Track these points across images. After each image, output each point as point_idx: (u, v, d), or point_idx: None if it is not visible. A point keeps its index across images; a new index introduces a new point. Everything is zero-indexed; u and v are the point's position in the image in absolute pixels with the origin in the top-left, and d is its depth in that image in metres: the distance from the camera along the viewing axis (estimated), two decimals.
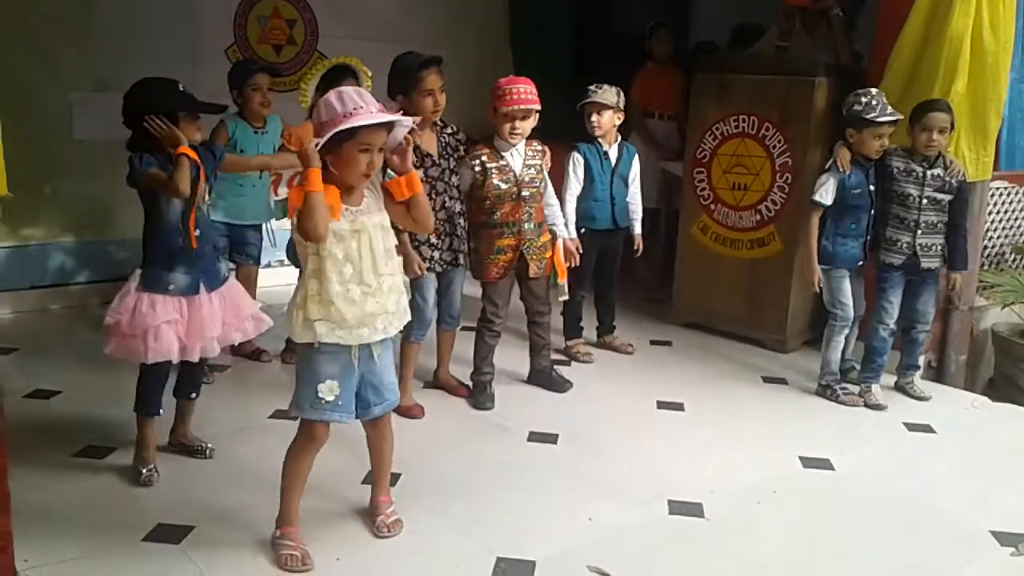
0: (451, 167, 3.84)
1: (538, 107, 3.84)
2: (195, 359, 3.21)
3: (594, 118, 4.48)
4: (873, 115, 4.00)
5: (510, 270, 4.01)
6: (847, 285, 4.21)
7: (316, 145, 2.48)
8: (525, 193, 3.93)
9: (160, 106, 3.09)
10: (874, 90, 4.09)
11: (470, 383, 4.16)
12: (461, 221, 3.91)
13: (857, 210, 4.14)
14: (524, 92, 3.81)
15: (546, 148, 4.04)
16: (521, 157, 3.93)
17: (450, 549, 2.86)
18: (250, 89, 4.26)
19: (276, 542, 2.76)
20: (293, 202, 2.51)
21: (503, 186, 3.88)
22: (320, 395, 2.66)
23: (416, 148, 3.59)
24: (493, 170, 3.87)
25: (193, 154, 3.08)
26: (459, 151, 3.88)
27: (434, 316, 4.04)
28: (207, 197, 3.30)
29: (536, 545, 2.88)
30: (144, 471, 3.22)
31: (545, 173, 4.04)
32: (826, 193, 4.12)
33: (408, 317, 2.84)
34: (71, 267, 5.39)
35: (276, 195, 6.06)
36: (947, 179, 4.07)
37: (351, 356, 2.68)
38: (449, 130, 3.87)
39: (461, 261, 3.94)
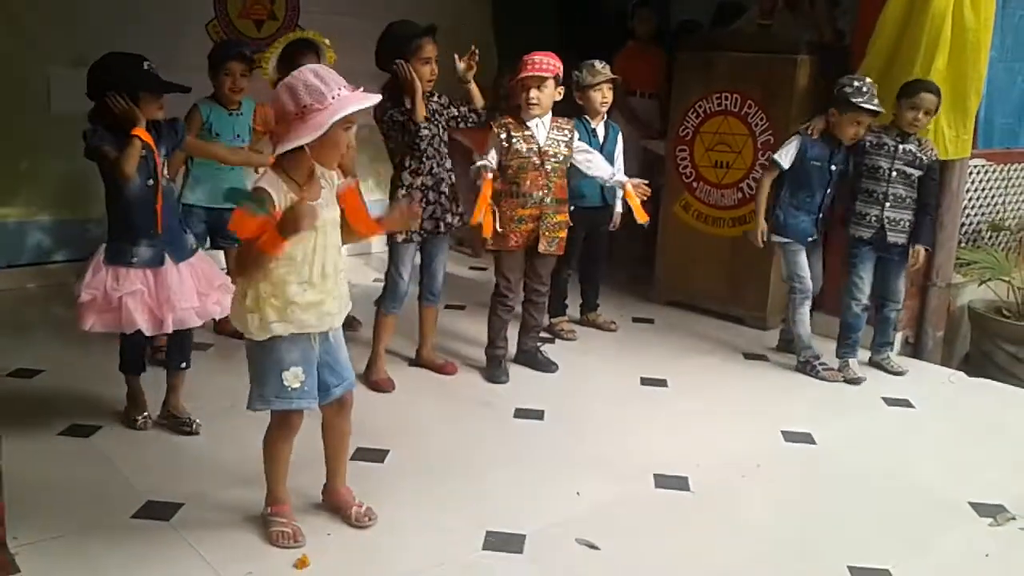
0: (440, 133, 3.87)
1: (551, 75, 3.88)
2: (168, 330, 3.25)
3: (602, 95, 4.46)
4: (860, 100, 4.02)
5: (528, 242, 4.02)
6: (803, 258, 4.28)
7: (315, 133, 2.38)
8: (548, 166, 3.95)
9: (123, 83, 3.12)
10: (869, 80, 4.12)
11: (484, 358, 4.20)
12: (446, 189, 3.92)
13: (812, 183, 4.19)
14: (540, 61, 3.87)
15: (574, 128, 4.08)
16: (546, 130, 3.97)
17: (439, 523, 2.89)
18: (222, 74, 4.25)
19: (267, 519, 2.76)
20: (243, 232, 2.41)
21: (526, 153, 3.91)
22: (286, 383, 2.59)
23: (410, 119, 3.71)
24: (519, 138, 3.91)
25: (147, 136, 3.11)
26: (444, 114, 3.89)
27: (409, 291, 4.01)
28: (165, 171, 3.33)
29: (525, 519, 2.91)
30: (139, 418, 3.37)
31: (576, 150, 4.07)
32: (786, 155, 4.18)
33: (350, 305, 2.77)
34: (48, 246, 5.33)
35: (256, 172, 6.05)
36: (919, 155, 4.13)
37: (311, 340, 2.62)
38: (435, 97, 3.89)
39: (442, 229, 3.94)
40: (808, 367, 4.36)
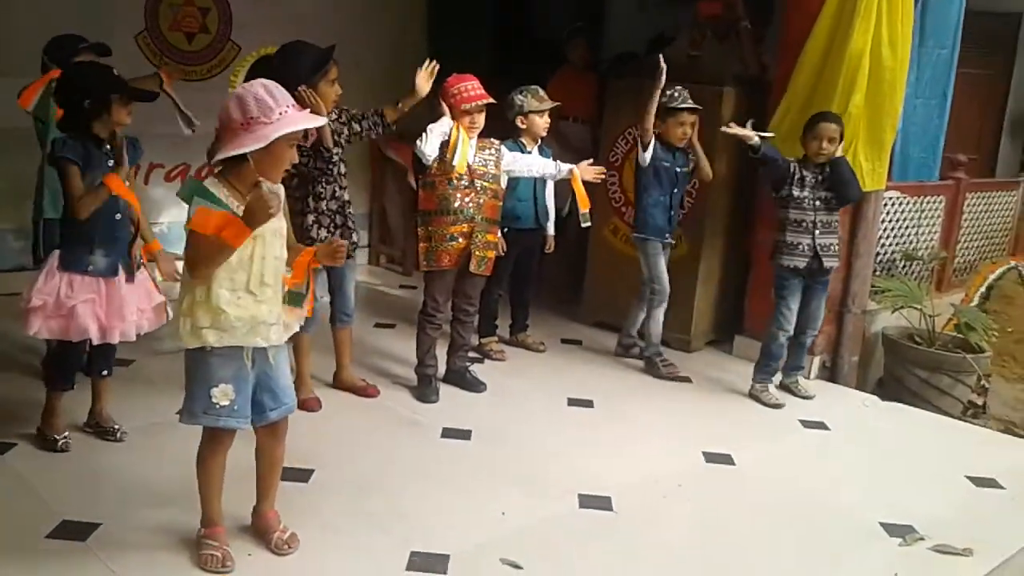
0: (341, 156, 3.86)
1: (491, 101, 3.99)
2: (115, 341, 3.26)
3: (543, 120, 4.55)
4: (676, 104, 4.45)
5: (460, 260, 4.04)
6: (663, 262, 4.65)
7: (258, 143, 2.40)
8: (478, 184, 3.99)
9: (95, 90, 3.14)
10: (679, 87, 4.50)
11: (414, 377, 4.19)
12: (350, 211, 3.93)
13: (661, 182, 4.59)
14: (478, 88, 3.95)
15: (502, 148, 4.15)
16: (473, 150, 4.00)
17: (364, 544, 2.88)
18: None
19: (200, 541, 2.72)
20: (206, 228, 2.40)
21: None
22: (214, 400, 2.56)
23: (319, 143, 3.70)
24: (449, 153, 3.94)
25: (119, 186, 3.17)
26: (344, 133, 3.84)
27: (326, 313, 3.99)
28: (127, 184, 3.29)
29: (451, 539, 2.92)
30: (60, 438, 3.31)
31: (507, 163, 4.14)
32: (644, 158, 4.55)
33: (297, 328, 2.76)
34: None
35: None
36: (825, 175, 4.27)
37: (245, 359, 2.59)
38: (334, 115, 3.82)
39: (351, 253, 3.91)
40: (650, 364, 4.73)
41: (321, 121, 2.59)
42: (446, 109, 3.93)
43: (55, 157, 3.16)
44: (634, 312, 4.91)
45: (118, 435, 3.44)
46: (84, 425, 3.46)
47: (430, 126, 3.91)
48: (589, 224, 4.44)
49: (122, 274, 3.24)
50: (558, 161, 4.35)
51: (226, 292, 2.49)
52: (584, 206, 4.27)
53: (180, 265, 2.61)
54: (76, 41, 4.02)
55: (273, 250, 2.57)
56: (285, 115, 2.43)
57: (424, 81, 3.84)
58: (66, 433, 3.35)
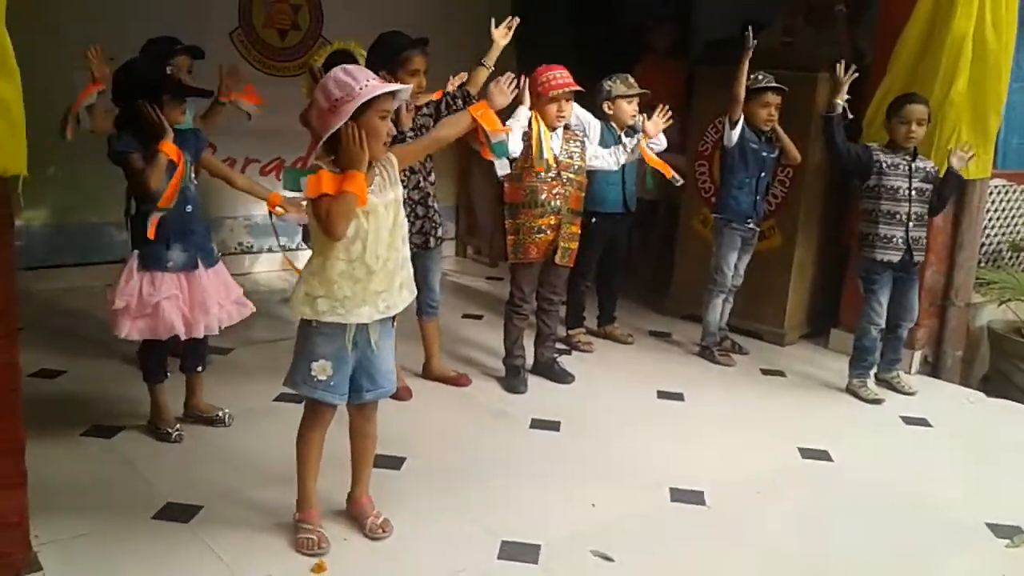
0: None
1: (579, 88, 4.00)
2: (200, 335, 3.30)
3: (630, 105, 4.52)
4: (759, 84, 4.39)
5: (547, 252, 4.05)
6: (733, 257, 4.60)
7: (340, 121, 2.48)
8: (564, 176, 3.99)
9: (145, 87, 3.17)
10: (761, 71, 4.42)
11: (503, 368, 4.21)
12: (433, 203, 3.93)
13: (747, 164, 4.49)
14: (566, 76, 3.94)
15: (585, 140, 4.16)
16: (560, 140, 4.01)
17: (455, 532, 2.90)
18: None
19: (296, 525, 2.79)
20: (320, 189, 2.49)
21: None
22: (313, 373, 2.67)
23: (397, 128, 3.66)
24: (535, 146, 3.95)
25: (173, 150, 3.14)
26: (430, 124, 3.78)
27: (412, 305, 4.00)
28: (194, 177, 3.35)
29: (540, 529, 2.92)
30: (172, 431, 3.38)
31: (587, 156, 4.15)
32: (731, 137, 4.48)
33: (415, 292, 2.82)
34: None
35: (278, 179, 6.10)
36: (929, 170, 4.16)
37: (346, 340, 2.67)
38: (424, 110, 3.81)
39: (432, 244, 3.93)
40: (707, 352, 4.71)
41: (403, 87, 2.63)
42: (527, 98, 3.89)
43: (113, 152, 3.17)
44: (723, 306, 4.81)
45: (226, 420, 3.51)
46: (184, 416, 3.52)
47: (508, 122, 3.83)
48: (682, 181, 4.43)
49: (201, 267, 3.28)
50: (620, 143, 4.32)
51: (342, 263, 2.59)
52: (667, 172, 4.25)
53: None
54: (171, 43, 4.10)
55: (387, 223, 2.64)
56: (365, 88, 2.50)
57: (501, 35, 3.83)
58: (178, 426, 3.42)
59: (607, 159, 4.24)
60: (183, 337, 3.25)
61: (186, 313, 3.24)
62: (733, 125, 4.44)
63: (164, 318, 3.18)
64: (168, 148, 3.14)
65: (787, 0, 5.23)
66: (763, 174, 4.55)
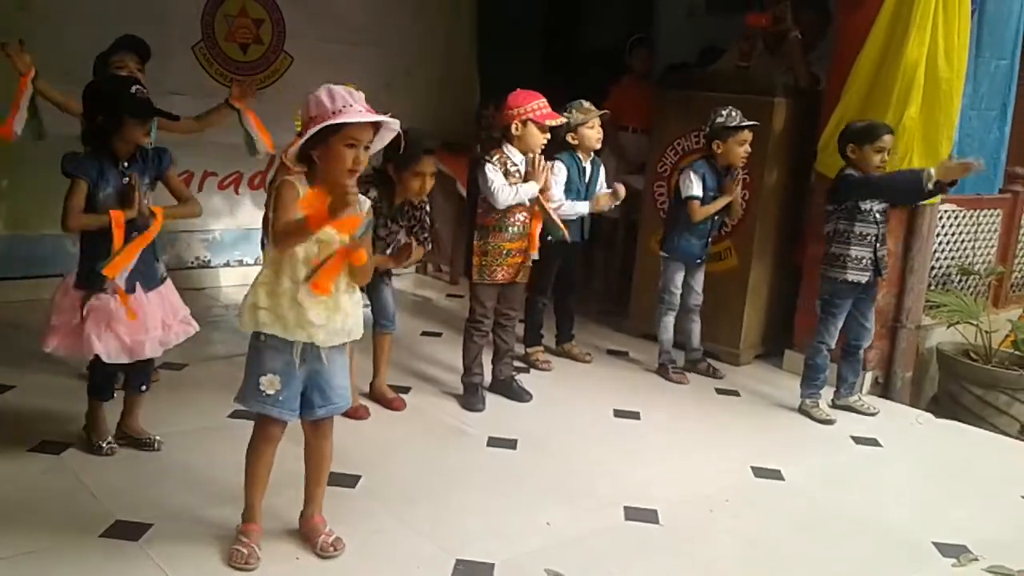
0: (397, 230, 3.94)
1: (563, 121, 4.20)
2: (144, 357, 3.25)
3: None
4: (736, 123, 4.41)
5: (515, 276, 4.10)
6: (680, 277, 4.70)
7: (303, 139, 2.49)
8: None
9: (109, 106, 3.12)
10: (730, 106, 4.46)
11: (461, 386, 4.21)
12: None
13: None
14: (548, 107, 4.00)
15: (550, 164, 4.21)
16: (527, 166, 4.05)
17: (410, 551, 2.89)
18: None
19: (236, 536, 2.76)
20: (308, 209, 2.47)
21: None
22: (261, 387, 2.64)
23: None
24: (514, 172, 3.99)
25: (120, 226, 3.10)
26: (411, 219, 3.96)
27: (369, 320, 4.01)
28: (147, 200, 3.24)
29: (495, 548, 2.92)
30: (104, 444, 3.33)
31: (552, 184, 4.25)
32: (697, 188, 4.51)
33: (355, 336, 2.76)
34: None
35: (237, 194, 6.06)
36: None
37: (294, 355, 2.64)
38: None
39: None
40: (662, 369, 4.78)
41: (377, 117, 2.55)
42: (541, 178, 4.00)
43: (64, 171, 3.11)
44: (689, 327, 4.86)
45: (155, 445, 3.41)
46: (115, 438, 3.42)
47: (519, 187, 3.95)
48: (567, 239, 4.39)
49: (140, 291, 3.20)
50: (571, 201, 4.49)
51: (287, 281, 2.58)
52: (563, 229, 4.25)
53: None
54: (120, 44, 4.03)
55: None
56: (339, 113, 2.47)
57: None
58: (110, 439, 3.36)
59: (569, 211, 4.42)
60: (106, 360, 3.16)
61: (122, 336, 3.16)
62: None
63: (86, 339, 3.11)
64: (118, 222, 3.09)
65: (744, 26, 5.31)
66: (717, 216, 4.63)
